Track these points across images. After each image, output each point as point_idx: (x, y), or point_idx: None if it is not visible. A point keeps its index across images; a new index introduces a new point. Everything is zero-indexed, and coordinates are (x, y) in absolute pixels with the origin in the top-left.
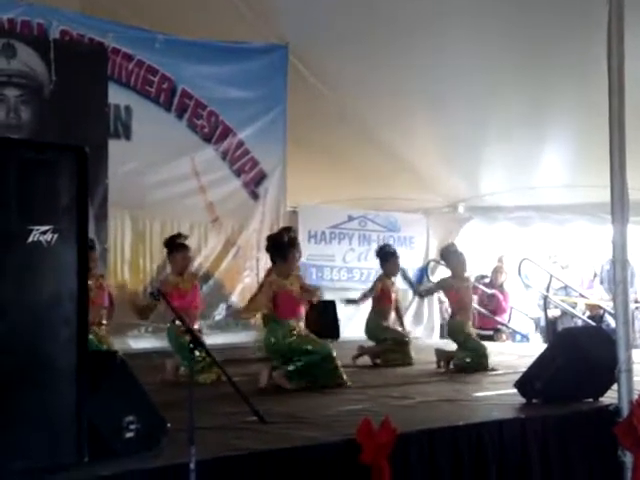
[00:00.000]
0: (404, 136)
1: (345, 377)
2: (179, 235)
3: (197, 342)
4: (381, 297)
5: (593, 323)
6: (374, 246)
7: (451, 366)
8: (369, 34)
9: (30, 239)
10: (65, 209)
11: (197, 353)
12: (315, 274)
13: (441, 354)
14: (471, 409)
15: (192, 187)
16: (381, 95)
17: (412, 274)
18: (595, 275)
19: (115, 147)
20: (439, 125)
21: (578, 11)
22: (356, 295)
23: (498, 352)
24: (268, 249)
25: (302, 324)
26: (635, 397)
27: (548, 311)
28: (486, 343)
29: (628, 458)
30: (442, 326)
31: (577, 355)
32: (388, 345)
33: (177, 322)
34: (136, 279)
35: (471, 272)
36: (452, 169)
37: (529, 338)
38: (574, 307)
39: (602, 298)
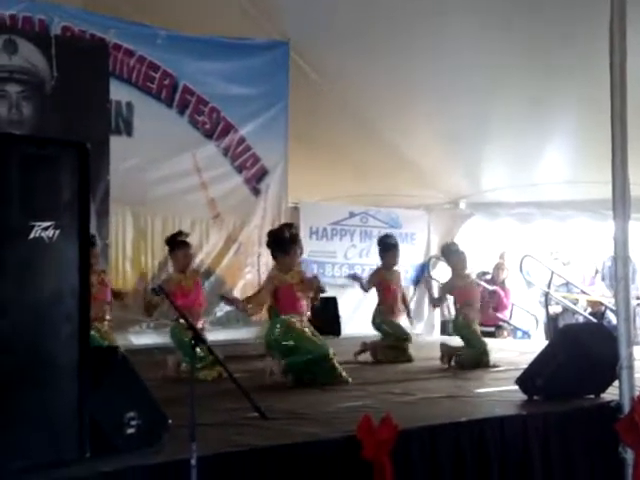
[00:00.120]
0: (406, 132)
1: (344, 374)
2: (180, 233)
3: (199, 339)
4: (380, 290)
5: (594, 320)
6: (375, 242)
7: (453, 362)
8: (370, 30)
9: (32, 235)
10: (67, 205)
11: (199, 350)
12: (316, 270)
13: (446, 349)
14: (472, 405)
15: (193, 183)
16: (382, 91)
17: (413, 270)
18: (596, 272)
19: (116, 143)
20: (441, 121)
21: (580, 7)
22: (357, 291)
23: (499, 349)
24: (269, 244)
25: (305, 318)
26: (636, 394)
27: (549, 308)
28: (487, 339)
29: (629, 455)
30: (443, 323)
31: (578, 352)
32: (390, 341)
33: (181, 320)
34: (137, 275)
35: (472, 269)
36: (453, 165)
37: (530, 335)
38: (575, 304)
39: (603, 295)
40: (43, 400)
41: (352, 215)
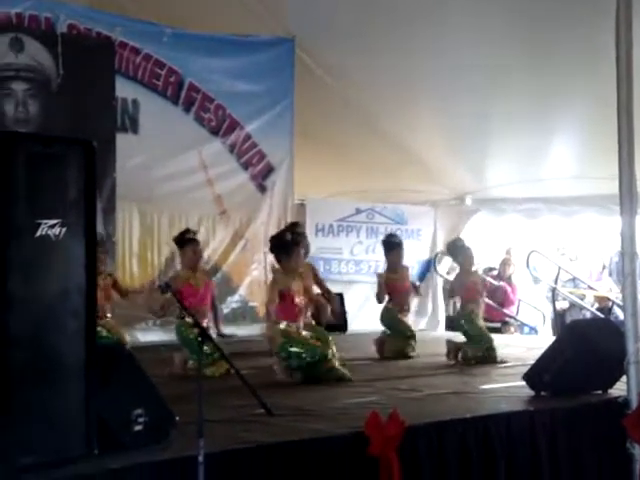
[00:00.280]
0: (411, 128)
1: (346, 373)
2: (188, 231)
3: (205, 336)
4: (387, 291)
5: (602, 315)
6: (382, 239)
7: (459, 358)
8: (375, 26)
9: (38, 233)
10: (73, 203)
11: (205, 347)
12: (323, 267)
13: (452, 345)
14: (479, 402)
15: (200, 180)
16: (388, 87)
17: (419, 266)
18: (604, 267)
19: (122, 141)
20: (446, 117)
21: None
22: (364, 288)
23: (506, 344)
24: (272, 249)
25: (302, 324)
26: None
27: (556, 303)
28: (494, 335)
29: (637, 450)
30: (448, 318)
31: (586, 347)
32: (397, 338)
33: (186, 318)
34: (144, 272)
35: (479, 264)
36: (459, 161)
37: (537, 330)
38: (582, 299)
39: (611, 290)
40: (50, 397)
41: (358, 211)
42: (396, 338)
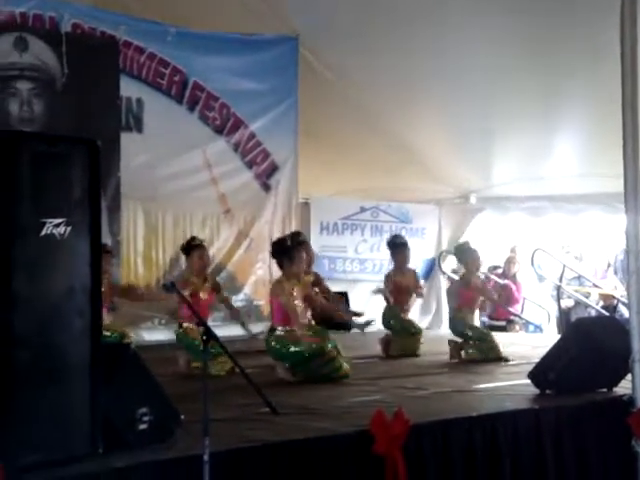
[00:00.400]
0: (416, 127)
1: (345, 367)
2: (193, 238)
3: (210, 334)
4: (394, 292)
5: (607, 313)
6: (386, 237)
7: (463, 356)
8: (378, 25)
9: (43, 232)
10: (78, 202)
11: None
12: (327, 266)
13: (454, 345)
14: (484, 400)
15: (204, 179)
16: (392, 86)
17: (424, 265)
18: (609, 265)
19: (127, 140)
20: (451, 115)
21: None
22: (369, 286)
23: (511, 343)
24: (273, 254)
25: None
26: None
27: (561, 301)
28: (499, 334)
29: None
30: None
31: (591, 345)
32: (402, 336)
33: (185, 325)
34: (149, 271)
35: (484, 262)
36: (464, 159)
37: (542, 329)
38: (587, 297)
39: (616, 288)
40: (55, 396)
41: (363, 210)
42: (402, 336)
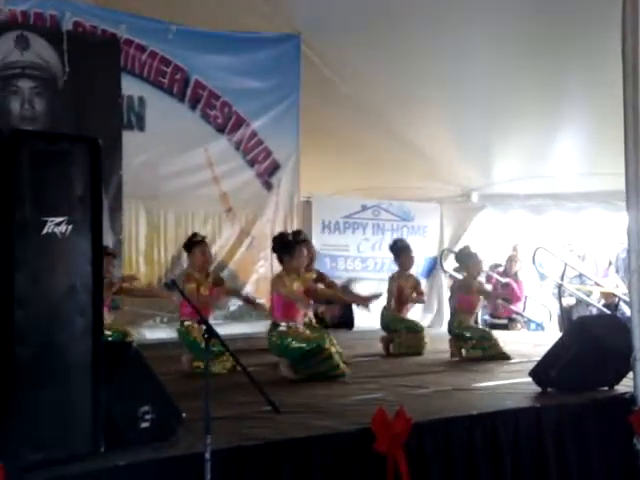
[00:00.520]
0: (417, 125)
1: (342, 366)
2: (195, 234)
3: (211, 332)
4: (394, 294)
5: (608, 311)
6: (388, 235)
7: (464, 354)
8: (381, 23)
9: (45, 230)
10: (79, 200)
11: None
12: (329, 264)
13: (455, 344)
14: (486, 398)
15: (206, 177)
16: (394, 84)
17: (425, 263)
18: (610, 263)
19: (129, 138)
20: (452, 114)
21: None
22: (370, 284)
23: (513, 341)
24: (274, 249)
25: (301, 325)
26: None
27: (563, 299)
28: (500, 332)
29: None
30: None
31: (592, 344)
32: (402, 335)
33: (186, 323)
34: (150, 270)
35: (485, 261)
36: (465, 157)
37: (544, 327)
38: (589, 295)
39: (617, 286)
40: (57, 395)
41: (364, 208)
42: (406, 335)
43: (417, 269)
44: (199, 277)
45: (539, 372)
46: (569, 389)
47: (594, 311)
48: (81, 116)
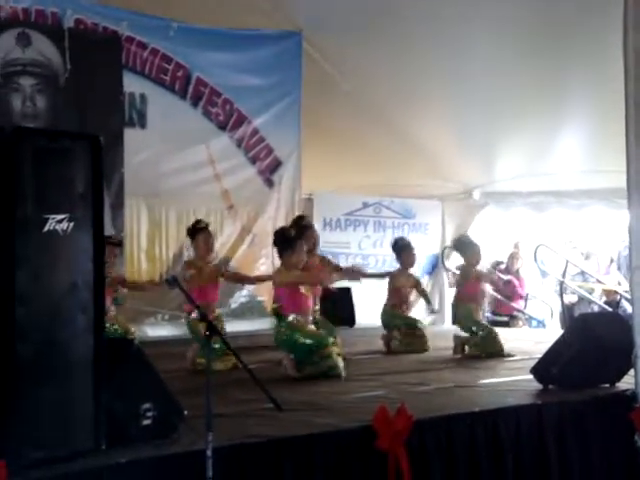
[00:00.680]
0: (419, 122)
1: (340, 367)
2: (199, 221)
3: (213, 329)
4: (395, 292)
5: (610, 309)
6: (389, 233)
7: (466, 352)
8: (382, 20)
9: (46, 228)
10: (80, 197)
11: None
12: None
13: (459, 340)
14: (487, 395)
15: (207, 175)
16: (396, 81)
17: (427, 261)
18: (612, 261)
19: (130, 135)
20: (454, 111)
21: None
22: (372, 282)
23: (514, 338)
24: (275, 243)
25: (310, 318)
26: None
27: (565, 297)
28: (502, 329)
29: None
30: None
31: (594, 341)
32: (402, 331)
33: (193, 315)
34: (152, 267)
35: (487, 258)
36: (467, 155)
37: (545, 324)
38: (591, 293)
39: (619, 283)
40: (58, 392)
41: (366, 205)
42: (407, 331)
43: (419, 267)
44: (202, 265)
45: (540, 369)
46: (570, 386)
47: (596, 308)
48: (82, 113)
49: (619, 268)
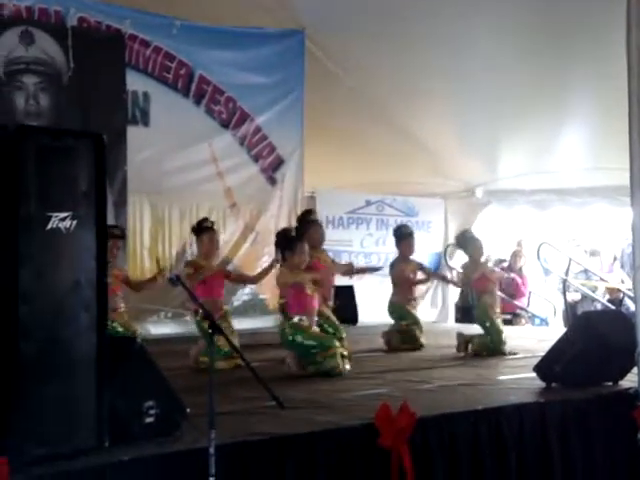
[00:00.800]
0: (422, 120)
1: (341, 367)
2: (205, 219)
3: (216, 328)
4: (399, 282)
5: (613, 307)
6: (392, 231)
7: (469, 350)
8: (384, 16)
9: (49, 226)
10: (83, 195)
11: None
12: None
13: (462, 338)
14: (490, 393)
15: (210, 173)
16: (398, 79)
17: (430, 259)
18: (615, 259)
19: (133, 133)
20: (457, 109)
21: None
22: (374, 280)
23: (517, 336)
24: (276, 244)
25: (315, 319)
26: None
27: (568, 295)
28: (505, 327)
29: None
30: (458, 309)
31: (596, 339)
32: (403, 327)
33: (199, 312)
34: (155, 265)
35: (489, 256)
36: (470, 153)
37: (548, 322)
38: (594, 291)
39: (622, 281)
40: (61, 390)
41: (368, 203)
42: (410, 328)
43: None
44: (206, 264)
45: (543, 367)
46: (573, 384)
47: (599, 306)
48: (86, 111)
49: (622, 266)
